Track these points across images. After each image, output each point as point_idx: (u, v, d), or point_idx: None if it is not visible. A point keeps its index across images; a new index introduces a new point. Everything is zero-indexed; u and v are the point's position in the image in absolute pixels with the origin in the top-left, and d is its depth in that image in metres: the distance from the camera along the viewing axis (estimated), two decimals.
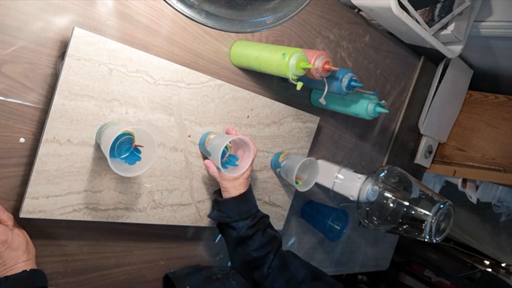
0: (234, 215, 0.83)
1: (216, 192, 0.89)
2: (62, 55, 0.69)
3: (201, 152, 0.86)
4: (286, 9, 0.62)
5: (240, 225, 0.83)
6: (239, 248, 0.84)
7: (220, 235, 1.02)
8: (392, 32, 1.23)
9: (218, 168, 0.83)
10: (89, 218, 0.74)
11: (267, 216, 0.88)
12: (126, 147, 0.72)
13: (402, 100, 1.40)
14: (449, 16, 1.14)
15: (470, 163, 1.47)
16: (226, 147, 0.86)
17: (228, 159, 0.85)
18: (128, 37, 0.76)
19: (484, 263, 2.22)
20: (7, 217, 0.68)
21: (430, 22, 1.12)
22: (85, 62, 0.67)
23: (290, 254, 0.86)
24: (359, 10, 1.16)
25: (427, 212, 0.93)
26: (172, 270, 0.94)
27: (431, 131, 1.48)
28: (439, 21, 1.14)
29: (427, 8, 1.09)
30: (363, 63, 1.21)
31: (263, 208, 1.00)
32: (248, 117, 0.92)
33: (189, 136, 0.83)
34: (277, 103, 0.96)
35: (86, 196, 0.73)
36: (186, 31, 0.83)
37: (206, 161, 0.85)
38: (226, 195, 0.84)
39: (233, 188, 0.83)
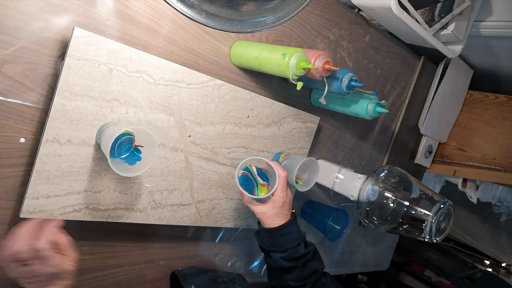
0: (270, 245, 0.82)
1: None
2: (62, 55, 0.69)
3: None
4: (286, 9, 0.62)
5: (276, 257, 0.82)
6: (276, 273, 0.84)
7: (220, 235, 1.02)
8: (392, 32, 1.23)
9: (244, 193, 0.82)
10: (89, 218, 0.74)
11: (309, 252, 0.83)
12: (126, 147, 0.72)
13: (402, 100, 1.40)
14: (449, 16, 1.14)
15: (470, 163, 1.47)
16: (256, 182, 0.87)
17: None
18: (128, 37, 0.76)
19: (484, 263, 2.22)
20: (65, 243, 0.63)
21: (430, 22, 1.12)
22: (85, 62, 0.67)
23: (329, 282, 0.85)
24: (359, 10, 1.16)
25: (427, 212, 0.93)
26: (179, 268, 0.94)
27: (431, 131, 1.48)
28: (439, 21, 1.14)
29: (427, 8, 1.10)
30: (363, 63, 1.21)
31: None
32: (248, 117, 0.92)
33: (189, 136, 0.83)
34: (277, 103, 0.96)
35: (86, 196, 0.73)
36: (186, 31, 0.83)
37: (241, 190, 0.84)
38: (262, 225, 0.83)
39: (266, 218, 0.81)
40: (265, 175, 0.87)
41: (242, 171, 0.85)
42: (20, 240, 0.60)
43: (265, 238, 0.83)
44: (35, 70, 0.67)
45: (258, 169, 0.87)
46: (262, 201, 0.83)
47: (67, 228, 0.77)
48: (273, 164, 0.82)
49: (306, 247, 0.83)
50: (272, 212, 0.81)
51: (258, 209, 0.82)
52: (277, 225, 0.81)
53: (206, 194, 0.89)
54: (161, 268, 0.93)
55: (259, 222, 0.85)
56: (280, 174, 0.81)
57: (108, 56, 0.69)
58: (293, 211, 0.86)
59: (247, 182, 0.86)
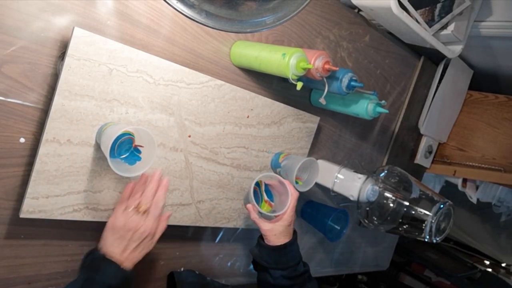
0: (272, 263, 0.82)
1: None
2: (62, 55, 0.69)
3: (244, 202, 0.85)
4: (286, 9, 0.62)
5: (276, 274, 0.81)
6: None
7: (220, 235, 1.02)
8: (392, 32, 1.23)
9: (258, 213, 0.82)
10: (89, 218, 0.74)
11: (307, 270, 0.85)
12: (126, 147, 0.72)
13: (402, 100, 1.40)
14: (449, 16, 1.14)
15: (470, 163, 1.47)
16: (262, 197, 0.87)
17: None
18: (128, 37, 0.76)
19: (484, 263, 2.22)
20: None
21: (430, 22, 1.12)
22: (85, 62, 0.67)
23: None
24: (359, 10, 1.16)
25: (427, 212, 0.93)
26: (179, 270, 0.94)
27: (431, 131, 1.48)
28: (439, 21, 1.14)
29: (427, 8, 1.09)
30: (363, 63, 1.21)
31: None
32: (248, 117, 0.92)
33: (189, 136, 0.83)
34: (277, 103, 0.96)
35: (86, 196, 0.73)
36: (186, 31, 0.83)
37: (248, 205, 0.84)
38: (266, 242, 0.83)
39: (272, 236, 0.82)
40: (270, 192, 0.87)
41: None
42: (148, 190, 0.72)
43: (268, 256, 0.83)
44: (35, 70, 0.67)
45: (265, 185, 0.87)
46: (269, 218, 0.83)
47: (67, 228, 0.77)
48: (287, 183, 0.82)
49: (304, 265, 0.85)
50: (279, 230, 0.81)
51: (266, 226, 0.82)
52: (282, 243, 0.81)
53: (206, 194, 0.89)
54: (161, 268, 0.93)
55: (260, 238, 0.85)
56: (293, 193, 0.82)
57: (108, 56, 0.69)
58: (294, 229, 0.87)
59: (255, 197, 0.86)
